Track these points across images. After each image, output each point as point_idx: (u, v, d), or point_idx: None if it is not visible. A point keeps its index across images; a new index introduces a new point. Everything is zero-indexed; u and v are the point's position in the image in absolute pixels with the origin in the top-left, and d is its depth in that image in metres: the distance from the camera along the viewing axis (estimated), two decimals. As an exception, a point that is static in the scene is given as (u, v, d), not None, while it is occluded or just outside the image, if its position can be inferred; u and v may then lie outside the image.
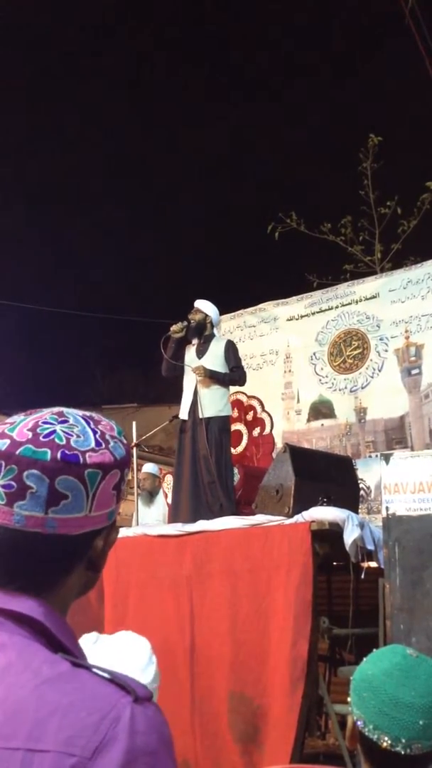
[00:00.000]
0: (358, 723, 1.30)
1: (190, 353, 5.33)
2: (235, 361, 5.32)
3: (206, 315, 5.39)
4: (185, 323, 5.31)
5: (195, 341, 5.36)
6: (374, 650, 1.44)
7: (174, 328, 5.29)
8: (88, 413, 0.92)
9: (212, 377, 5.14)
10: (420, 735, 1.27)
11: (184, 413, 5.25)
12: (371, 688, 1.31)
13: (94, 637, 1.95)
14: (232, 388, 5.67)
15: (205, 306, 5.44)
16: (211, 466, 4.91)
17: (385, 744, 1.27)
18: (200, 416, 5.07)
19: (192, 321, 5.32)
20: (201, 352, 5.31)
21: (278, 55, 26.31)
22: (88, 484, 0.84)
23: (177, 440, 5.34)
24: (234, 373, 5.28)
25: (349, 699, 1.36)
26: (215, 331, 5.55)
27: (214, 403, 5.13)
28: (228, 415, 5.30)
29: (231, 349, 5.35)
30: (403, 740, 1.27)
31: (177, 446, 5.32)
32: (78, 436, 0.86)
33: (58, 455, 0.83)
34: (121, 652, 1.87)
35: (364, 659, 1.39)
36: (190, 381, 5.25)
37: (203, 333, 5.36)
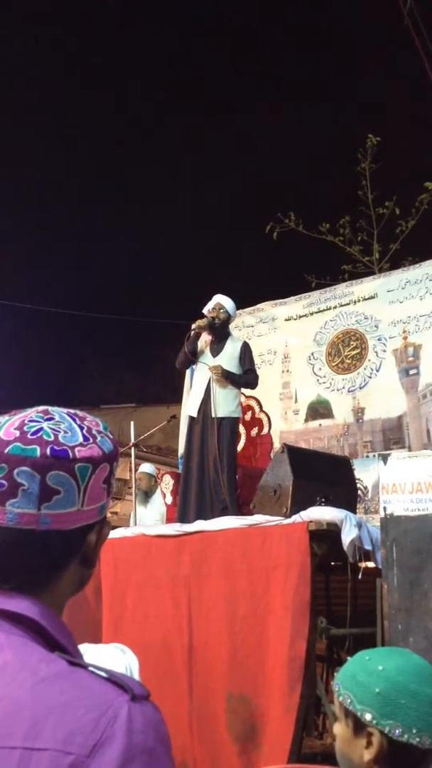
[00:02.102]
0: (394, 732, 1.26)
1: (206, 351, 5.29)
2: (249, 363, 5.28)
3: (229, 315, 5.36)
4: (210, 320, 5.23)
5: (210, 338, 5.31)
6: (367, 657, 1.39)
7: (200, 323, 5.21)
8: (72, 411, 0.93)
9: (228, 378, 5.12)
10: None
11: (193, 410, 5.20)
12: (408, 693, 1.28)
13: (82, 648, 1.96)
14: None
15: (229, 304, 5.36)
16: (220, 466, 4.89)
17: (428, 744, 1.26)
18: (213, 415, 5.04)
19: (217, 320, 5.25)
20: (216, 351, 5.26)
21: (278, 55, 26.32)
22: (78, 478, 0.85)
23: (186, 437, 5.31)
24: (248, 376, 5.25)
25: (368, 716, 1.29)
26: (229, 328, 5.51)
27: (227, 403, 5.10)
28: (238, 417, 5.28)
29: (247, 352, 5.31)
30: None
31: (186, 443, 5.29)
32: (65, 432, 0.87)
33: (48, 451, 0.84)
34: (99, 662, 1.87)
35: (379, 668, 1.33)
36: (202, 378, 5.21)
37: (222, 331, 5.32)
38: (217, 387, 5.11)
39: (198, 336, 5.28)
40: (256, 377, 5.36)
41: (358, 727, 1.31)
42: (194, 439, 5.13)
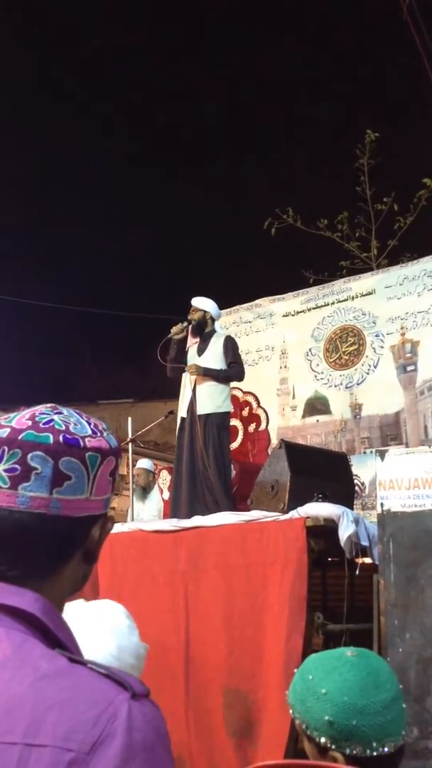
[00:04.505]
0: (356, 752, 1.23)
1: (192, 351, 5.32)
2: (232, 356, 5.29)
3: (205, 312, 5.37)
4: (185, 324, 5.28)
5: (197, 339, 5.33)
6: (310, 676, 1.35)
7: (174, 329, 5.26)
8: (77, 411, 0.96)
9: (206, 374, 5.14)
10: (399, 725, 1.27)
11: (183, 411, 5.26)
12: (357, 711, 1.24)
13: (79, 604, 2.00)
14: (231, 384, 5.66)
15: (202, 303, 5.40)
16: (207, 462, 4.91)
17: (392, 747, 1.24)
18: (197, 413, 5.08)
19: (192, 321, 5.30)
20: (202, 350, 5.30)
21: (277, 54, 26.25)
22: (89, 466, 0.88)
23: (177, 437, 5.34)
24: (230, 370, 5.25)
25: (327, 742, 1.25)
26: (216, 326, 5.52)
27: (212, 399, 5.12)
28: (227, 412, 5.28)
29: (229, 345, 5.33)
30: (401, 732, 1.26)
31: (177, 443, 5.32)
32: (75, 424, 0.90)
33: (60, 438, 0.86)
34: (103, 619, 1.91)
35: (322, 691, 1.28)
36: (190, 379, 5.26)
37: (204, 330, 5.34)
38: (199, 385, 5.14)
39: (177, 342, 5.33)
40: (241, 370, 5.34)
41: (321, 749, 1.28)
42: (184, 439, 5.18)
